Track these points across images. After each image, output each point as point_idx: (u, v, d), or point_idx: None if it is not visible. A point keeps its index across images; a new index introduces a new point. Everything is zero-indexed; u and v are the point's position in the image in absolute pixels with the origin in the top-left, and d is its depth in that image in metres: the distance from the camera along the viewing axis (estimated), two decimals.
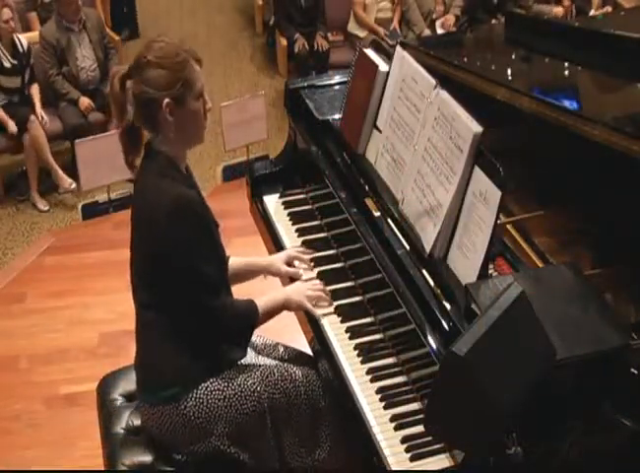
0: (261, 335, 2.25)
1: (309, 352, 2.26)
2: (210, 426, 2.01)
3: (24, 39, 5.08)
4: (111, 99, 1.94)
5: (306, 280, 2.25)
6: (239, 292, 2.14)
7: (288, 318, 2.24)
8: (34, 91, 5.10)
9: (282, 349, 2.26)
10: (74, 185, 4.88)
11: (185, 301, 1.94)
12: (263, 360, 2.15)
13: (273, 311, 2.11)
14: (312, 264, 2.34)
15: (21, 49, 5.00)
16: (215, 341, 2.04)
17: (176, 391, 1.99)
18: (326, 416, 2.15)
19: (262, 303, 2.08)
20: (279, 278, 2.38)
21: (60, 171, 5.00)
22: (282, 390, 2.09)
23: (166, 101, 1.86)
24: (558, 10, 6.07)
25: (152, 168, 1.94)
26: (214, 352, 2.04)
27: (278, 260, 2.31)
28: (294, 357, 2.23)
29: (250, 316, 2.05)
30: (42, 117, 4.98)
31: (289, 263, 2.32)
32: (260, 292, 2.15)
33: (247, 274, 2.31)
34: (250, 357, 2.14)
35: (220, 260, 2.05)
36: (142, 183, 1.96)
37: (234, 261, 2.24)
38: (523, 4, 6.05)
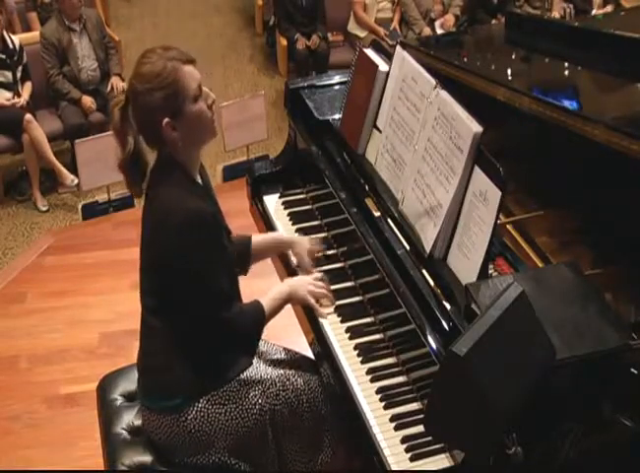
0: (262, 339, 2.22)
1: (310, 354, 2.25)
2: (210, 439, 1.99)
3: (15, 38, 5.14)
4: (112, 129, 1.92)
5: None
6: (243, 291, 2.13)
7: (288, 319, 2.24)
8: (26, 87, 5.14)
9: (283, 353, 2.23)
10: (76, 181, 4.87)
11: (192, 313, 1.92)
12: (264, 368, 2.12)
13: (278, 308, 2.09)
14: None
15: (11, 45, 5.04)
16: (220, 352, 2.01)
17: (178, 403, 1.98)
18: (328, 422, 2.14)
19: (267, 301, 2.05)
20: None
21: (63, 168, 5.02)
22: (283, 401, 2.07)
23: (166, 120, 1.84)
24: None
25: (164, 176, 1.92)
26: (218, 364, 2.02)
27: (304, 244, 2.29)
28: (296, 362, 2.21)
29: (258, 321, 2.03)
30: (20, 97, 5.03)
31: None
32: (263, 292, 2.14)
33: (271, 250, 2.34)
34: (253, 362, 2.11)
35: (230, 269, 2.02)
36: (154, 190, 1.93)
37: (257, 238, 2.28)
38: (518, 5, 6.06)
